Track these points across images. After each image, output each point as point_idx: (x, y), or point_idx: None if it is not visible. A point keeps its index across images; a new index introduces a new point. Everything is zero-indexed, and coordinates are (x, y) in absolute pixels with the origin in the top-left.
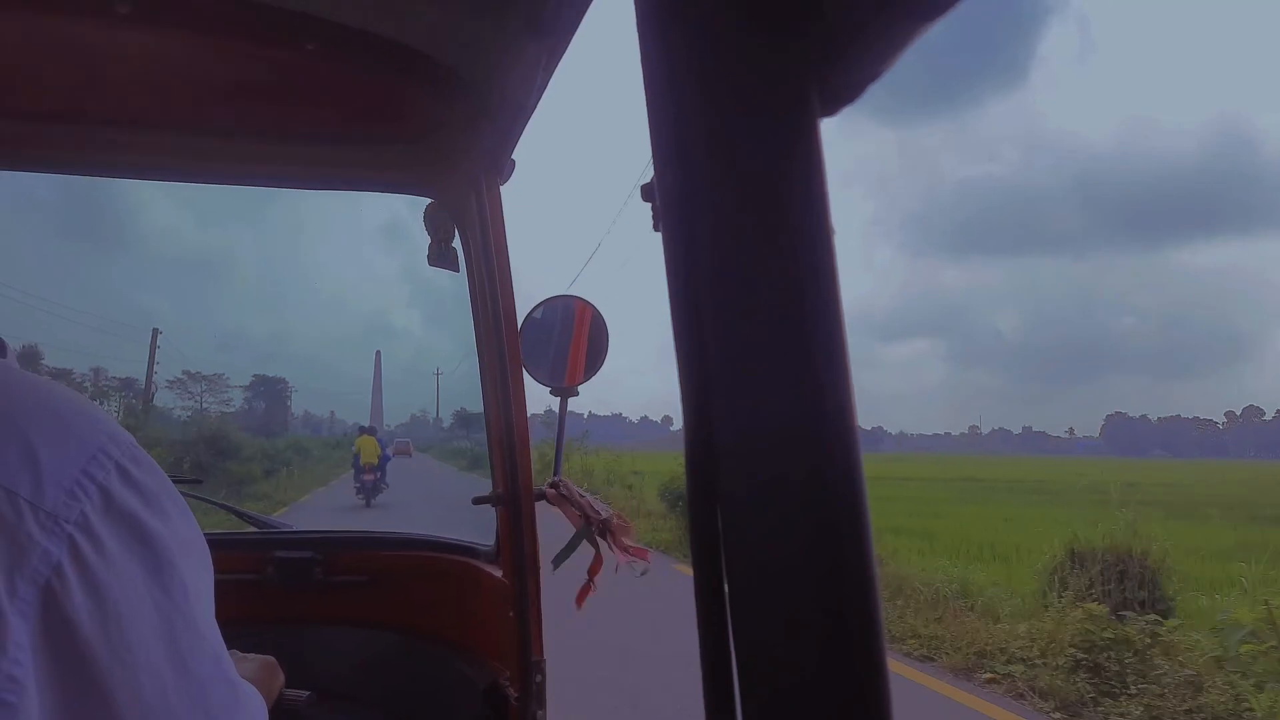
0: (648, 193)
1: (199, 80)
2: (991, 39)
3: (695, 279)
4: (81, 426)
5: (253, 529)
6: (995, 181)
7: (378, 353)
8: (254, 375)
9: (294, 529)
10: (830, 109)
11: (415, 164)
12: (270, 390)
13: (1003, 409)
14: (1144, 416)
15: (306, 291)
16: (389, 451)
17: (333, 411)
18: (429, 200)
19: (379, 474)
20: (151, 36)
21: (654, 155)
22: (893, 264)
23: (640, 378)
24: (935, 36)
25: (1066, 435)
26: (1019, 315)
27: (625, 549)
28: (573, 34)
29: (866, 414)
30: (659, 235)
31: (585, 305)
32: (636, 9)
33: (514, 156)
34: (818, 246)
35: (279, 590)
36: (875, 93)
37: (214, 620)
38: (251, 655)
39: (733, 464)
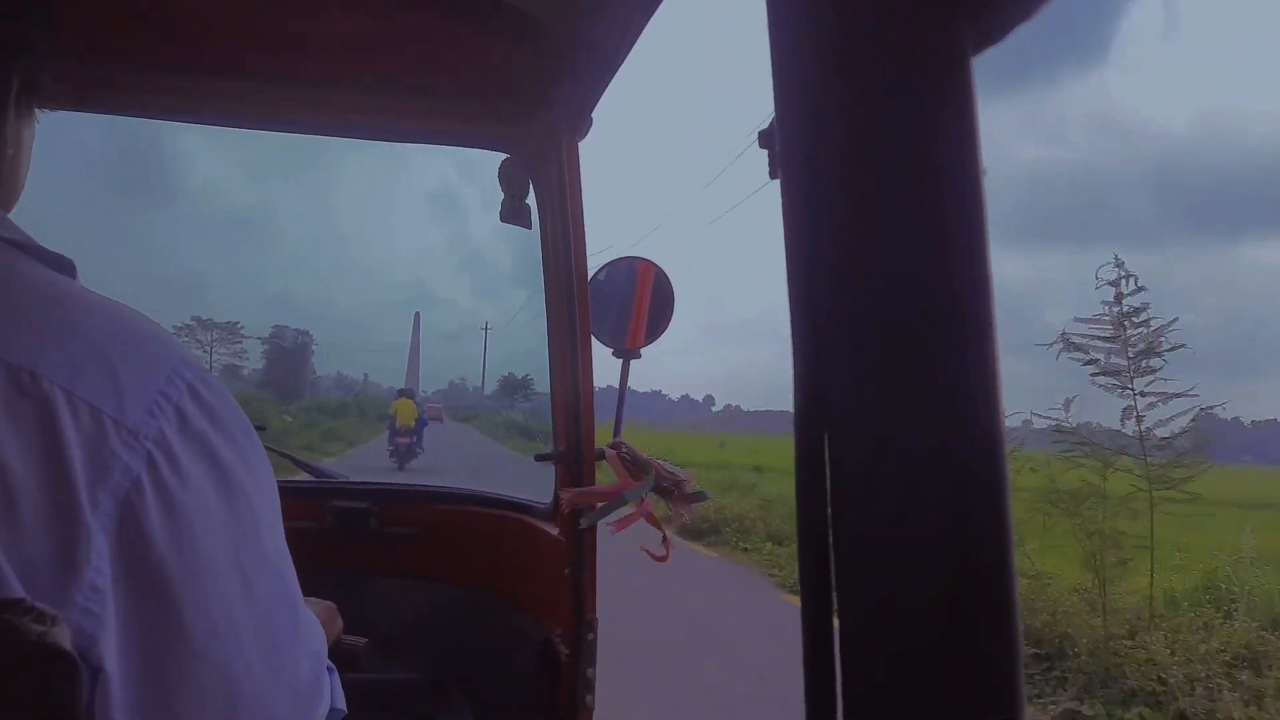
0: (766, 138)
1: (287, 30)
2: (1074, 12)
3: (819, 229)
4: (156, 347)
5: (310, 478)
6: (1064, 165)
7: (416, 314)
8: (273, 326)
9: (351, 480)
10: (981, 46)
11: (495, 118)
12: (291, 344)
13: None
14: (1236, 419)
15: (347, 252)
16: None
17: (366, 375)
18: (503, 155)
19: (415, 438)
20: None
21: (776, 95)
22: None
23: (680, 358)
24: None
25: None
26: (1080, 308)
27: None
28: None
29: None
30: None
31: (649, 265)
32: None
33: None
34: (968, 195)
35: (336, 539)
36: None
37: (283, 544)
38: (312, 599)
39: (850, 434)
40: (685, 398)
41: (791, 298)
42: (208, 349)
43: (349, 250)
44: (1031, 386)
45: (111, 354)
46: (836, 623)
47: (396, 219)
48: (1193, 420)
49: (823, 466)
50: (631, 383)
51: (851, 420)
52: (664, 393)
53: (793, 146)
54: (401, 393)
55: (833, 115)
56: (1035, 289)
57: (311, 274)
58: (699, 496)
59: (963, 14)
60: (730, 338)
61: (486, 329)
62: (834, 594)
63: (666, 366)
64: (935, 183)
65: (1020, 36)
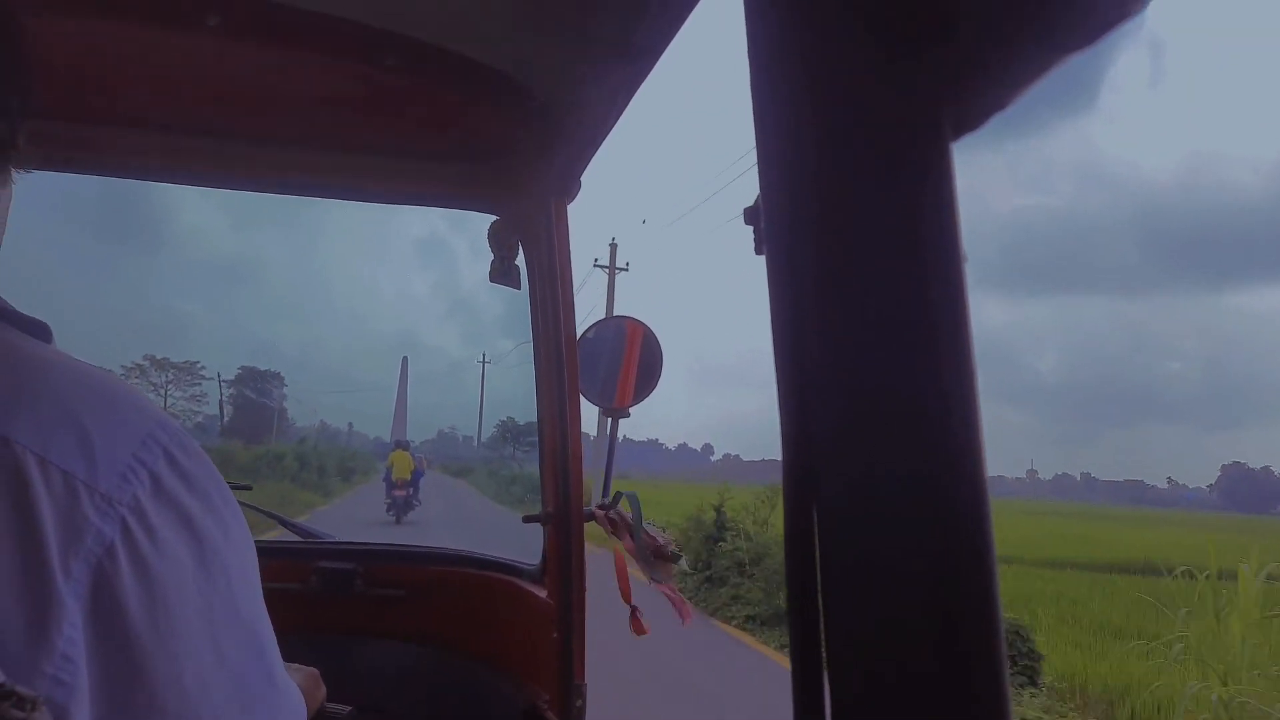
0: (751, 215)
1: (277, 92)
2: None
3: (802, 305)
4: (131, 412)
5: (296, 538)
6: (1048, 213)
7: (404, 359)
8: (240, 367)
9: (337, 540)
10: (959, 133)
11: (485, 182)
12: (257, 387)
13: (1051, 452)
14: (1266, 469)
15: (331, 302)
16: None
17: (350, 424)
18: (492, 217)
19: (411, 490)
20: (235, 48)
21: (761, 174)
22: None
23: (671, 406)
24: None
25: (1167, 486)
26: (1060, 354)
27: (668, 588)
28: (659, 58)
29: None
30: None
31: (637, 325)
32: (748, 22)
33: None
34: (949, 276)
35: (321, 600)
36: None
37: (262, 613)
38: (296, 665)
39: (835, 490)
40: (683, 446)
41: (778, 369)
42: (162, 391)
43: (334, 297)
44: (1032, 433)
45: (85, 419)
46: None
47: (384, 266)
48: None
49: (811, 498)
50: (628, 432)
51: (836, 481)
52: (661, 442)
53: (776, 225)
54: (397, 444)
55: (816, 196)
56: (1017, 337)
57: (295, 321)
58: (674, 557)
59: (943, 102)
60: (715, 383)
61: (484, 363)
62: (822, 623)
63: (658, 415)
64: (917, 263)
65: None
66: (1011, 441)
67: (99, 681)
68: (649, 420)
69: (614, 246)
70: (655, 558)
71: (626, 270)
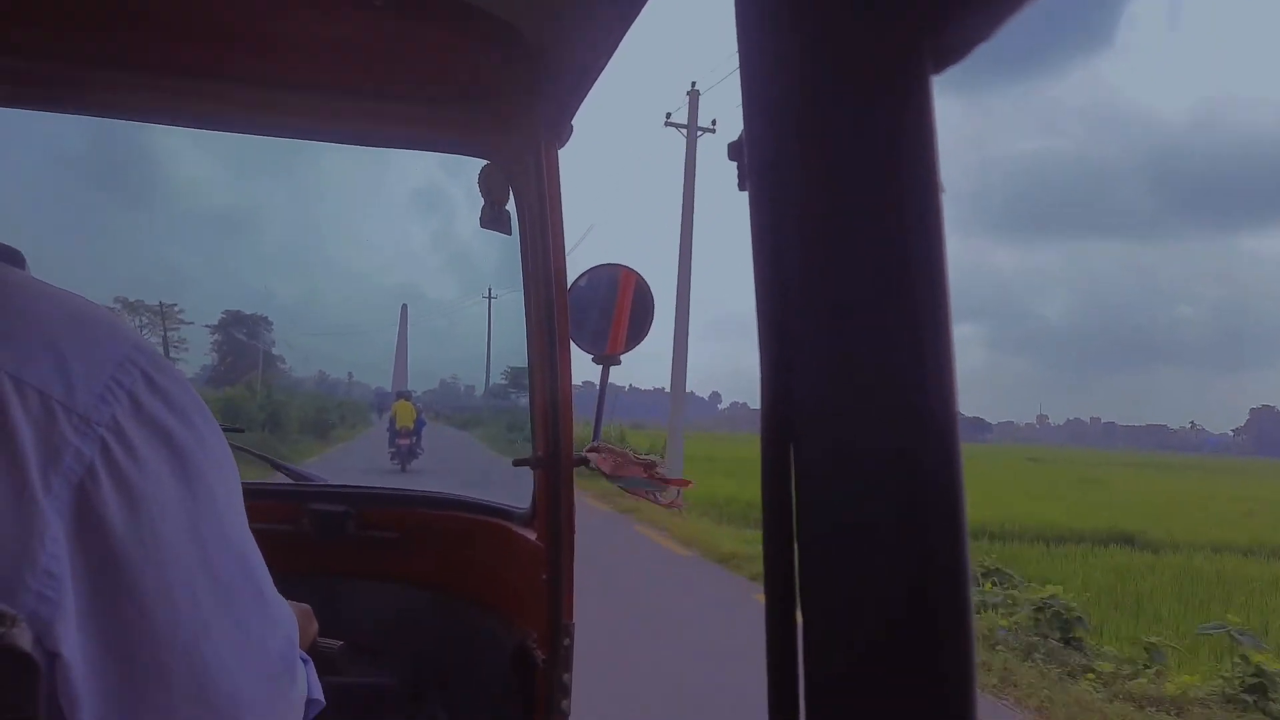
0: (735, 150)
1: (265, 33)
2: (1077, 3)
3: (784, 240)
4: (108, 334)
5: (288, 480)
6: (1058, 156)
7: (404, 306)
8: (224, 311)
9: (330, 482)
10: (940, 66)
11: (474, 125)
12: (244, 330)
13: (1060, 399)
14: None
15: (331, 252)
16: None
17: (350, 373)
18: (482, 162)
19: (415, 439)
20: None
21: (745, 109)
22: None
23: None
24: None
25: (1189, 429)
26: (1073, 300)
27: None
28: None
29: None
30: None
31: (630, 273)
32: None
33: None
34: (926, 211)
35: (313, 542)
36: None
37: (246, 530)
38: (288, 602)
39: (814, 439)
40: (690, 395)
41: (759, 305)
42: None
43: (331, 246)
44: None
45: (61, 341)
46: (800, 617)
47: (381, 215)
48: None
49: (788, 467)
50: (634, 381)
51: (816, 424)
52: (667, 390)
53: (760, 159)
54: (400, 394)
55: (798, 130)
56: (1026, 283)
57: (288, 268)
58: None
59: (923, 33)
60: (728, 332)
61: (490, 298)
62: (798, 589)
63: (666, 362)
64: (895, 197)
65: (1028, 25)
66: (1024, 389)
67: (86, 597)
68: (658, 367)
69: (695, 95)
70: (654, 479)
71: (714, 131)
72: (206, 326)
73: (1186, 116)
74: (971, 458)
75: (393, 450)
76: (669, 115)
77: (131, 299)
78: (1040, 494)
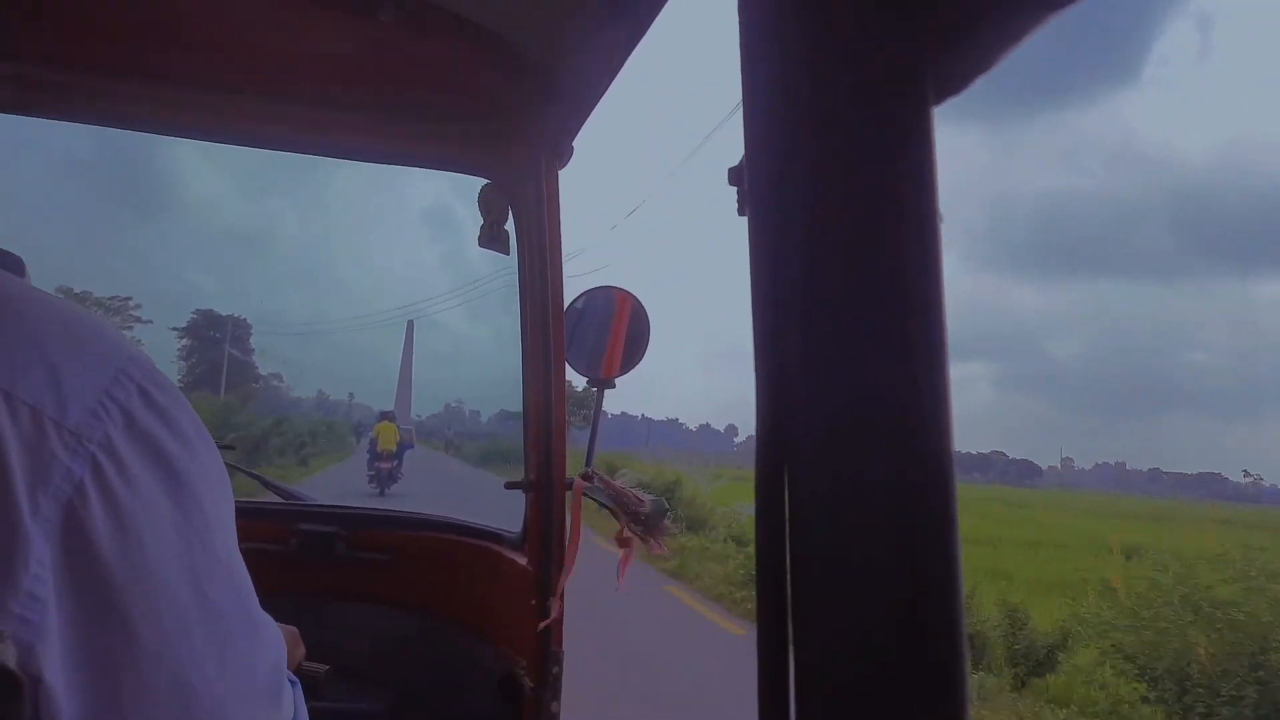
0: (735, 175)
1: (269, 47)
2: (1106, 36)
3: (784, 266)
4: (102, 347)
5: (278, 499)
6: (1081, 195)
7: (409, 323)
8: (195, 311)
9: (320, 502)
10: (941, 97)
11: (476, 143)
12: (217, 335)
13: (1080, 441)
14: None
15: (337, 271)
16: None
17: (351, 394)
18: (482, 181)
19: (395, 463)
20: (232, 2)
21: (746, 135)
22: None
23: (695, 381)
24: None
25: (1248, 480)
26: (1083, 341)
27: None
28: (655, 17)
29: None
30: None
31: (626, 296)
32: None
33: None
34: (925, 241)
35: (301, 562)
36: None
37: (236, 551)
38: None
39: (810, 467)
40: (705, 427)
41: (756, 331)
42: None
43: (337, 264)
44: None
45: (54, 354)
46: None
47: (388, 232)
48: None
49: (782, 495)
50: (646, 410)
51: (811, 452)
52: (681, 421)
53: (760, 186)
54: (383, 415)
55: (798, 157)
56: (1040, 322)
57: (295, 290)
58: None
59: (924, 64)
60: (742, 364)
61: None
62: (790, 618)
63: (679, 392)
64: (895, 226)
65: (1047, 51)
66: (1044, 431)
67: (71, 619)
68: (673, 397)
69: None
70: (645, 520)
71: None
72: (174, 330)
73: (1210, 157)
74: (1033, 507)
75: (371, 473)
76: None
77: (78, 289)
78: None
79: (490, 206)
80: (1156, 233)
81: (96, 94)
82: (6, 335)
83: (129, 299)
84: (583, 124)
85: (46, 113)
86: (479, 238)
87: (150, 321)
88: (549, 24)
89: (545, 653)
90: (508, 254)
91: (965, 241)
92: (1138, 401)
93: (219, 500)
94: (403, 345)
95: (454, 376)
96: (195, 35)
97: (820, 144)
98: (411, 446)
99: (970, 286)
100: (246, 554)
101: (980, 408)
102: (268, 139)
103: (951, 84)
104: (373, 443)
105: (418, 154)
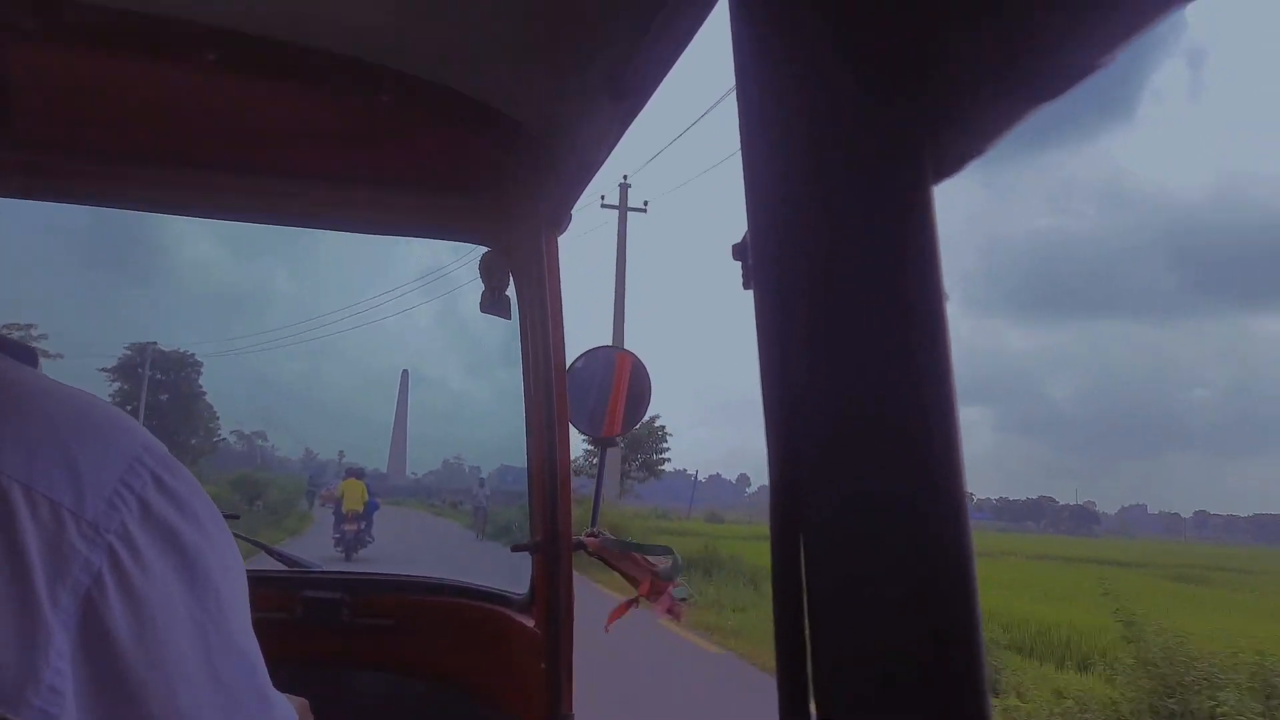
0: (739, 251)
1: (270, 124)
2: (1100, 75)
3: (790, 341)
4: (118, 436)
5: (282, 567)
6: (1070, 235)
7: (404, 372)
8: (128, 345)
9: (324, 569)
10: (940, 176)
11: (477, 214)
12: (155, 375)
13: (1092, 484)
14: None
15: (330, 330)
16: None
17: (341, 452)
18: (484, 249)
19: (363, 524)
20: (232, 83)
21: (749, 211)
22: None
23: (703, 431)
24: None
25: None
26: (1082, 382)
27: (669, 610)
28: (651, 94)
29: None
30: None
31: (625, 355)
32: (736, 62)
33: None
34: (930, 315)
35: (307, 629)
36: None
37: (250, 631)
38: (285, 695)
39: (823, 529)
40: (716, 477)
41: (765, 400)
42: None
43: (334, 328)
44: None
45: (71, 446)
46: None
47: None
48: None
49: (798, 561)
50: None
51: (825, 516)
52: (690, 472)
53: (764, 261)
54: (349, 471)
55: (802, 234)
56: (1036, 365)
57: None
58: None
59: (924, 147)
60: (752, 413)
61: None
62: (807, 631)
63: (689, 441)
64: (900, 302)
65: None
66: (1052, 475)
67: (89, 710)
68: (682, 447)
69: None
70: (654, 581)
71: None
72: (104, 370)
73: (1206, 193)
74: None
75: (337, 536)
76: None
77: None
78: None
79: (492, 273)
80: (1155, 269)
81: (89, 176)
82: (22, 429)
83: (31, 326)
84: (581, 193)
85: (40, 195)
86: (481, 304)
87: (61, 356)
88: (548, 99)
89: (555, 715)
90: (510, 319)
91: (963, 286)
92: (1157, 442)
93: (233, 581)
94: (396, 396)
95: (453, 438)
96: (195, 116)
97: (824, 222)
98: (377, 506)
99: (970, 331)
100: (253, 624)
101: (981, 452)
102: (271, 215)
103: (950, 163)
104: (337, 504)
105: (419, 225)
